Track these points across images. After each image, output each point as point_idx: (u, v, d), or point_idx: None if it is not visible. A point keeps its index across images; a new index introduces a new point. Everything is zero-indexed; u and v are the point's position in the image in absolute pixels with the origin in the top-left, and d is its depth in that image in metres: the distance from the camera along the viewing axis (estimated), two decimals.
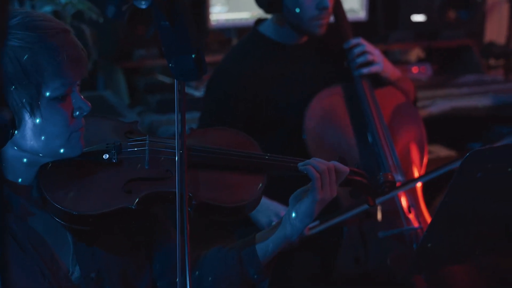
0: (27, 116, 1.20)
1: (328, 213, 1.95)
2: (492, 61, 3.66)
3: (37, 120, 1.20)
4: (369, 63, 2.17)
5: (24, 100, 1.18)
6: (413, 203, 2.09)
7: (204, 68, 1.14)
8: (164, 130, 2.64)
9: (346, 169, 1.37)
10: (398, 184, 2.06)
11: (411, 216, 2.07)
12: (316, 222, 1.87)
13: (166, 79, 3.04)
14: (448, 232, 1.57)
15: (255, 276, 1.37)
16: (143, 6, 1.02)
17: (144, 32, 2.97)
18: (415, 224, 2.05)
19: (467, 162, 1.44)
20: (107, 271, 1.28)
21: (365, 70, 2.17)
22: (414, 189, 2.11)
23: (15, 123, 1.19)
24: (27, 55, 1.16)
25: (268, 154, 1.39)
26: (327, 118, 2.15)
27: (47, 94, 1.19)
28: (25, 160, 1.24)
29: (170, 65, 1.14)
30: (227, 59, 2.26)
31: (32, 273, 1.22)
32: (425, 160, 2.21)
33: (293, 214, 1.35)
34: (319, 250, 2.16)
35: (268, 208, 2.05)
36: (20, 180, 1.26)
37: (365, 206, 1.91)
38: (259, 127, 2.19)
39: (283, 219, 1.37)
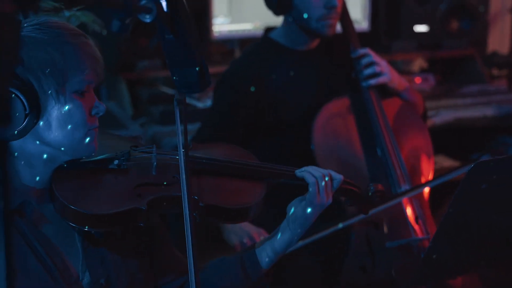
0: (50, 107, 1.25)
1: (330, 220, 1.95)
2: (495, 71, 3.66)
3: (60, 111, 1.26)
4: (377, 74, 2.18)
5: (50, 90, 1.24)
6: (421, 214, 2.09)
7: (207, 81, 1.16)
8: (167, 141, 2.64)
9: (340, 176, 1.45)
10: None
11: (419, 226, 2.06)
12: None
13: (169, 90, 3.05)
14: (453, 243, 1.57)
15: (257, 282, 1.43)
16: (148, 20, 1.04)
17: (146, 44, 2.99)
18: (423, 235, 2.04)
19: (472, 173, 1.43)
20: (116, 277, 1.32)
21: (373, 81, 2.17)
22: (421, 200, 2.11)
23: (39, 113, 1.24)
24: (56, 47, 1.25)
25: (267, 163, 1.48)
26: (335, 129, 2.15)
27: (71, 86, 1.26)
28: (45, 156, 1.28)
29: (174, 78, 1.16)
30: (236, 62, 2.30)
31: (45, 278, 1.25)
32: (432, 171, 2.21)
33: (291, 221, 1.42)
34: (325, 258, 2.16)
35: (240, 229, 2.10)
36: (35, 181, 1.29)
37: (358, 217, 1.92)
38: (267, 131, 2.20)
39: (282, 226, 1.44)
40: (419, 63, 3.76)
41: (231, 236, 2.12)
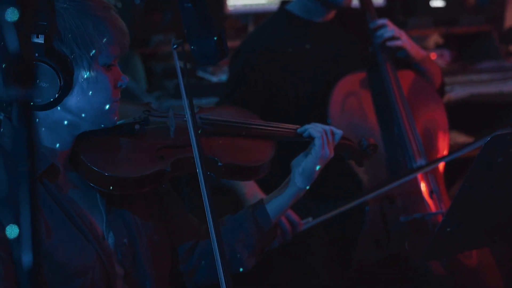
0: (80, 78, 1.28)
1: (348, 197, 1.96)
2: (511, 48, 3.62)
3: (89, 83, 1.28)
4: (395, 38, 2.16)
5: (83, 62, 1.27)
6: (435, 188, 2.09)
7: (226, 51, 1.16)
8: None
9: (340, 131, 1.59)
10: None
11: (433, 201, 2.07)
12: (309, 218, 1.88)
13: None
14: (467, 217, 1.57)
15: (268, 233, 1.53)
16: None
17: (161, 18, 2.98)
18: (437, 209, 2.05)
19: (488, 147, 1.43)
20: (137, 238, 1.38)
21: (390, 43, 2.15)
22: (436, 175, 2.11)
23: (73, 81, 1.26)
24: (89, 20, 1.27)
25: (272, 123, 1.58)
26: (351, 103, 2.15)
27: (101, 59, 1.28)
28: (66, 122, 1.31)
29: (192, 47, 1.17)
30: (253, 34, 2.30)
31: (78, 238, 1.30)
32: (447, 146, 2.20)
33: (298, 175, 1.53)
34: (339, 233, 2.17)
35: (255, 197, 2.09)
36: (58, 145, 1.32)
37: (359, 201, 1.93)
38: (282, 104, 2.20)
39: (288, 181, 1.54)
40: (434, 39, 3.73)
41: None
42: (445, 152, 2.19)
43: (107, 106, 1.32)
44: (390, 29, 2.16)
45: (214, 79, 2.93)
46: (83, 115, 1.30)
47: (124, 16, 2.97)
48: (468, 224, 1.60)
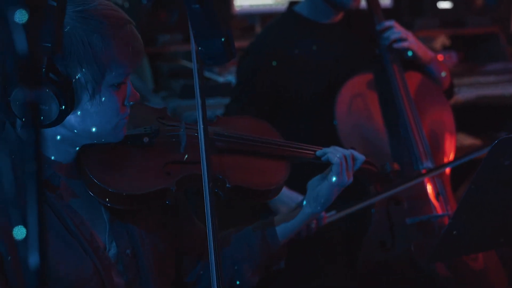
0: (84, 100, 1.23)
1: (353, 200, 1.96)
2: None
3: (95, 105, 1.24)
4: (401, 39, 2.15)
5: (88, 83, 1.22)
6: (442, 190, 2.08)
7: (233, 52, 1.16)
8: (188, 115, 2.65)
9: (362, 157, 1.49)
10: (424, 171, 2.05)
11: (440, 203, 2.06)
12: (333, 212, 1.88)
13: (190, 65, 3.05)
14: (474, 220, 1.57)
15: (275, 253, 1.47)
16: None
17: (167, 18, 2.98)
18: (443, 211, 2.04)
19: (495, 149, 1.43)
20: (141, 249, 1.34)
21: (397, 45, 2.14)
22: (442, 177, 2.10)
23: (74, 104, 1.22)
24: (99, 40, 1.21)
25: (291, 142, 1.48)
26: (358, 104, 2.15)
27: (109, 80, 1.24)
28: (69, 137, 1.27)
29: (200, 48, 1.16)
30: (260, 35, 2.29)
31: (75, 249, 1.27)
32: (454, 147, 2.19)
33: (312, 199, 1.44)
34: (345, 233, 2.17)
35: (290, 199, 2.07)
36: (61, 157, 1.29)
37: (383, 195, 1.92)
38: (289, 106, 2.20)
39: (301, 203, 1.47)
40: (441, 40, 3.72)
41: (281, 207, 2.07)
42: (452, 154, 2.18)
43: (113, 126, 1.27)
44: (397, 30, 2.15)
45: (221, 79, 2.93)
46: (87, 133, 1.26)
47: (131, 16, 2.98)
48: (474, 227, 1.60)
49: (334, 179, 1.44)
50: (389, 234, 2.04)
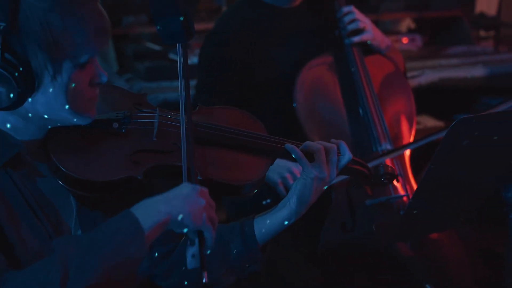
0: (47, 80, 1.19)
1: None
2: (482, 32, 3.66)
3: (57, 85, 1.19)
4: (360, 31, 2.17)
5: (48, 64, 1.18)
6: (401, 172, 2.11)
7: (192, 31, 1.15)
8: (153, 97, 2.63)
9: (349, 154, 1.38)
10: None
11: (399, 184, 2.09)
12: (268, 200, 1.87)
13: (155, 46, 3.02)
14: (434, 199, 1.59)
15: (252, 253, 1.39)
16: None
17: None
18: (402, 192, 2.07)
19: (454, 130, 1.45)
20: None
21: (356, 38, 2.17)
22: (402, 158, 2.13)
23: (35, 86, 1.18)
24: (58, 19, 1.16)
25: (275, 137, 1.40)
26: (317, 87, 2.15)
27: (71, 60, 1.19)
28: (38, 115, 1.23)
29: (158, 27, 1.15)
30: (219, 21, 2.27)
31: (39, 232, 1.23)
32: (413, 130, 2.22)
33: (291, 197, 1.37)
34: (306, 216, 2.18)
35: (279, 166, 2.02)
36: (29, 135, 1.25)
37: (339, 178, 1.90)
38: (252, 89, 2.19)
39: (281, 203, 1.39)
40: (406, 23, 3.75)
41: (271, 174, 2.02)
42: (412, 136, 2.21)
43: (79, 108, 1.23)
44: (357, 17, 2.16)
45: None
46: (54, 114, 1.23)
47: None
48: (434, 206, 1.62)
49: (311, 172, 1.34)
50: (350, 216, 2.06)
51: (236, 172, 1.34)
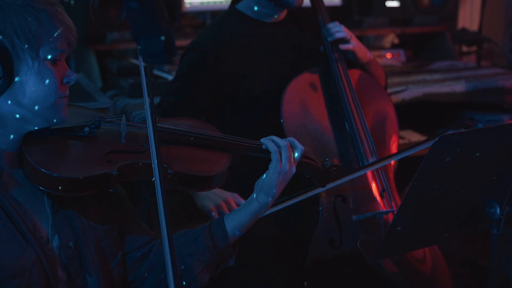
0: (23, 72, 1.28)
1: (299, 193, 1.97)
2: (464, 48, 3.70)
3: (33, 76, 1.28)
4: (346, 40, 2.18)
5: (24, 55, 1.27)
6: (387, 187, 2.11)
7: (173, 51, 1.15)
8: (137, 114, 2.62)
9: (301, 146, 1.54)
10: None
11: (385, 200, 2.09)
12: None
13: (139, 63, 3.01)
14: (417, 215, 1.59)
15: (224, 250, 1.48)
16: None
17: (116, 15, 2.94)
18: (388, 208, 2.08)
19: (436, 146, 1.45)
20: (83, 242, 1.36)
21: (342, 46, 2.18)
22: (386, 174, 2.14)
23: (13, 77, 1.26)
24: (31, 12, 1.27)
25: (232, 136, 1.55)
26: (303, 103, 2.16)
27: (44, 52, 1.28)
28: (17, 116, 1.30)
29: (139, 47, 1.15)
30: (203, 33, 2.27)
31: (17, 238, 1.28)
32: (396, 144, 2.23)
33: (258, 191, 1.49)
34: (294, 232, 2.18)
35: (214, 194, 2.10)
36: (6, 143, 1.31)
37: (317, 190, 1.95)
38: (236, 103, 2.19)
39: (250, 198, 1.50)
40: (390, 39, 3.78)
41: (206, 202, 2.11)
42: (395, 149, 2.22)
43: (54, 101, 1.31)
44: (342, 30, 2.18)
45: (171, 77, 2.91)
46: (30, 108, 1.29)
47: (78, 12, 2.92)
48: (418, 223, 1.62)
49: (274, 167, 1.48)
50: (337, 231, 2.07)
51: (202, 165, 1.46)
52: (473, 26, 3.81)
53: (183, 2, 3.14)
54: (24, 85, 1.28)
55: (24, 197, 1.33)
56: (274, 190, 1.48)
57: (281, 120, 2.11)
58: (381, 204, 2.09)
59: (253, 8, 2.20)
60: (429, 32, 3.55)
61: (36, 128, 1.33)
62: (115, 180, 1.33)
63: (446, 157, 1.48)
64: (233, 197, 2.11)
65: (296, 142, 1.55)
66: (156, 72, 2.94)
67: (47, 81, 1.29)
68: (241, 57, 2.18)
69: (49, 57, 1.29)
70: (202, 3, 3.21)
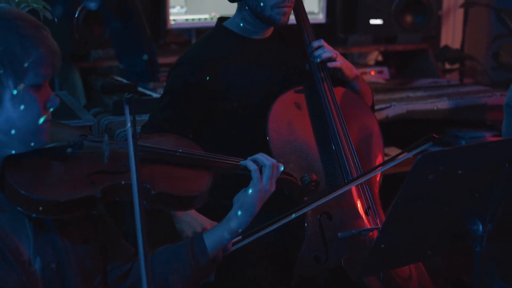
0: (6, 99, 1.26)
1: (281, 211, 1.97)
2: (447, 65, 3.74)
3: (16, 104, 1.27)
4: (331, 59, 2.19)
5: (8, 83, 1.25)
6: (372, 205, 2.12)
7: (156, 70, 1.16)
8: (121, 132, 2.61)
9: (281, 166, 1.59)
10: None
11: (370, 217, 2.10)
12: (239, 238, 1.88)
13: (123, 80, 3.01)
14: (401, 233, 1.60)
15: (205, 266, 1.50)
16: (93, 8, 1.03)
17: (100, 33, 2.94)
18: (374, 225, 2.08)
19: (419, 164, 1.46)
20: (66, 262, 1.35)
21: (329, 65, 2.19)
22: (372, 190, 2.14)
23: None
24: (16, 38, 1.26)
25: (214, 154, 1.56)
26: (288, 122, 2.16)
27: (29, 79, 1.27)
28: None
29: (122, 66, 1.16)
30: (191, 48, 2.28)
31: (1, 262, 1.27)
32: (381, 160, 2.24)
33: (237, 209, 1.51)
34: (279, 249, 2.17)
35: (194, 220, 2.09)
36: None
37: (291, 217, 1.94)
38: (223, 120, 2.19)
39: (229, 214, 1.53)
40: (374, 56, 3.81)
41: (185, 227, 2.11)
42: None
43: (36, 127, 1.30)
44: (328, 49, 2.19)
45: (155, 95, 2.91)
46: (12, 132, 1.28)
47: (62, 30, 2.91)
48: (402, 240, 1.63)
49: (254, 185, 1.50)
50: (323, 248, 2.06)
51: (185, 185, 1.47)
52: (456, 44, 3.86)
53: (168, 19, 3.15)
54: (6, 112, 1.27)
55: (6, 220, 1.31)
56: (253, 208, 1.51)
57: (267, 138, 2.11)
58: (366, 221, 2.09)
59: (239, 25, 2.22)
60: (412, 50, 3.59)
61: (14, 152, 1.31)
62: (99, 202, 1.33)
63: (428, 175, 1.49)
64: (212, 225, 2.10)
65: (275, 161, 1.57)
66: (140, 89, 2.94)
67: (30, 109, 1.28)
68: (228, 74, 2.18)
69: (33, 83, 1.28)
70: (187, 20, 3.22)
